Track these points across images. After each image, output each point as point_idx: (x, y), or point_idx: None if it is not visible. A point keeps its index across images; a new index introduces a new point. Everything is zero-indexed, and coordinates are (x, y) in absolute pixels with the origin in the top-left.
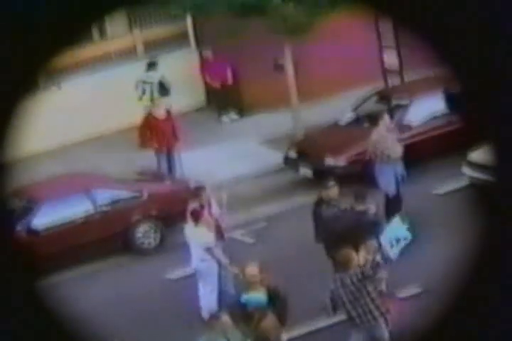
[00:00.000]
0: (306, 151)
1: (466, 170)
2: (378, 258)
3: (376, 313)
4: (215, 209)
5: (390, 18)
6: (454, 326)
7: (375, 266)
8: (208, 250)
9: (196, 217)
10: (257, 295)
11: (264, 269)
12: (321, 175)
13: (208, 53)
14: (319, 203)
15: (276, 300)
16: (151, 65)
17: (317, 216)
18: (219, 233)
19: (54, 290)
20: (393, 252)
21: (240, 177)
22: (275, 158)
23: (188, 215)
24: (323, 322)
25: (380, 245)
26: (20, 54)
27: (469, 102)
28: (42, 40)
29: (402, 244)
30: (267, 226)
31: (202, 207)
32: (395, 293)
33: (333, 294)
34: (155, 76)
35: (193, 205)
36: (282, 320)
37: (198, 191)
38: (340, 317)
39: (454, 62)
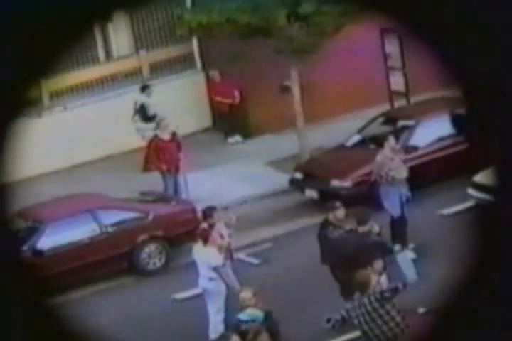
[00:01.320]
0: (312, 173)
1: (472, 192)
2: (399, 284)
3: (396, 331)
4: (224, 229)
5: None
6: None
7: (395, 290)
8: (216, 269)
9: (205, 236)
10: (253, 313)
11: (259, 293)
12: (327, 197)
13: (215, 74)
14: (325, 225)
15: (269, 322)
16: (143, 88)
17: (323, 238)
18: (228, 253)
19: (60, 310)
20: (411, 278)
21: (246, 199)
22: (281, 179)
23: (197, 235)
24: None
25: (386, 266)
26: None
27: (478, 124)
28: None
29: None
30: (272, 247)
31: (211, 227)
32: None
33: (347, 313)
34: (143, 99)
35: (202, 225)
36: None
37: (208, 211)
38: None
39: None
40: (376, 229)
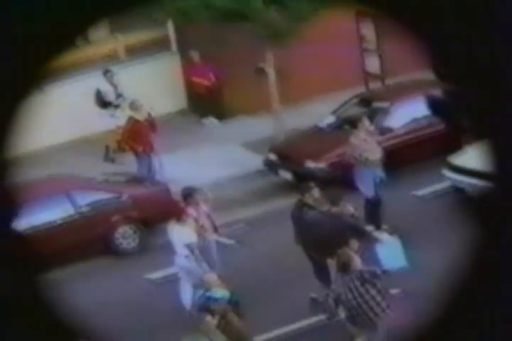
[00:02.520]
0: (287, 154)
1: (447, 173)
2: (378, 270)
3: (378, 310)
4: (203, 209)
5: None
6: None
7: (374, 275)
8: (189, 247)
9: (180, 214)
10: (220, 292)
11: (234, 274)
12: (301, 178)
13: (196, 54)
14: (299, 206)
15: (236, 304)
16: (105, 73)
17: (297, 218)
18: (210, 231)
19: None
20: (390, 267)
21: (220, 180)
22: (256, 161)
23: (173, 213)
24: (300, 324)
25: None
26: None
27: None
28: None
29: (399, 263)
30: (246, 228)
31: (189, 206)
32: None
33: (335, 294)
34: (101, 85)
35: (180, 204)
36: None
37: (187, 191)
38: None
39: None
40: (350, 210)
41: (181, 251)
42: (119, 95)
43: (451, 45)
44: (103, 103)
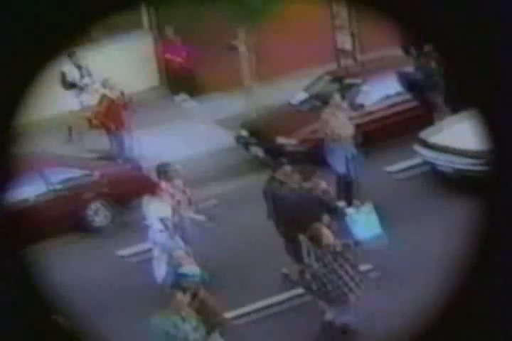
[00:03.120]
0: (258, 131)
1: (418, 149)
2: (350, 240)
3: (351, 285)
4: (179, 185)
5: None
6: None
7: (346, 247)
8: (163, 221)
9: (155, 189)
10: (191, 269)
11: (205, 249)
12: (273, 154)
13: (170, 31)
14: (271, 181)
15: (208, 281)
16: (70, 55)
17: (269, 194)
18: (185, 206)
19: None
20: (364, 236)
21: (193, 157)
22: (228, 137)
23: (146, 190)
24: (272, 299)
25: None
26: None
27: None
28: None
29: (373, 231)
30: (218, 204)
31: (163, 181)
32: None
33: (310, 269)
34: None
35: (152, 180)
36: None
37: (162, 167)
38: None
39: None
40: (323, 186)
41: (156, 225)
42: (84, 76)
43: (438, 23)
44: (68, 84)
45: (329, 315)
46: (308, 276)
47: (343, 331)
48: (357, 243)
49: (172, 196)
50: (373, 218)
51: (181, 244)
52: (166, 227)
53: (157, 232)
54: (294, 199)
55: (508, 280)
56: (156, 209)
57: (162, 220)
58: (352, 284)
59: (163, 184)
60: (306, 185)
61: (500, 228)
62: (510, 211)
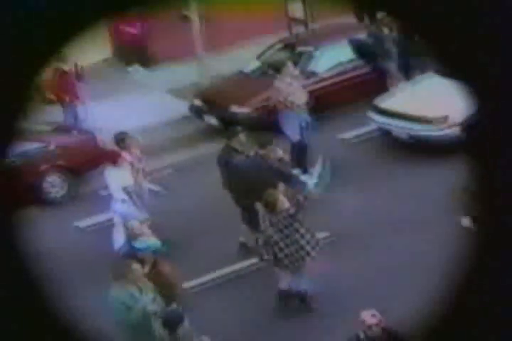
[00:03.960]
0: (212, 100)
1: (372, 115)
2: (300, 196)
3: (308, 248)
4: (136, 153)
5: None
6: None
7: (297, 203)
8: (126, 190)
9: (116, 158)
10: (148, 241)
11: (162, 220)
12: (227, 123)
13: None
14: (226, 150)
15: (167, 251)
16: None
17: (224, 163)
18: (142, 175)
19: None
20: (315, 191)
21: (147, 127)
22: (181, 107)
23: (109, 158)
24: (229, 268)
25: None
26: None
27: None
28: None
29: (323, 185)
30: (173, 174)
31: (122, 150)
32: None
33: (264, 236)
34: None
35: (113, 148)
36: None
37: (119, 136)
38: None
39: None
40: (279, 153)
41: (118, 195)
42: None
43: None
44: None
45: (285, 283)
46: (264, 243)
47: (300, 298)
48: (306, 197)
49: (131, 165)
50: (327, 177)
51: (145, 213)
52: (130, 196)
53: (119, 202)
54: (249, 167)
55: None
56: (117, 179)
57: (125, 189)
58: (308, 248)
59: (122, 153)
60: (262, 152)
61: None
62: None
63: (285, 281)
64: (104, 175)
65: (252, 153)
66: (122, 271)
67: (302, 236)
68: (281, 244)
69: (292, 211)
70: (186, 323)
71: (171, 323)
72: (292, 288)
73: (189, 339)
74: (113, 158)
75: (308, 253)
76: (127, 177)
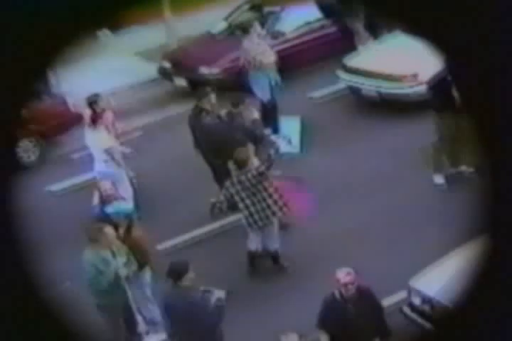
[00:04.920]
0: (180, 61)
1: (341, 74)
2: (270, 154)
3: (275, 208)
4: (110, 115)
5: None
6: None
7: (268, 161)
8: (108, 151)
9: (94, 121)
10: (120, 206)
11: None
12: (196, 84)
13: None
14: (197, 111)
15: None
16: None
17: (195, 123)
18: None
19: None
20: (288, 147)
21: (116, 90)
22: (150, 69)
23: (86, 121)
24: (202, 229)
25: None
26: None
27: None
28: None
29: (292, 148)
30: (143, 136)
31: (98, 112)
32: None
33: (228, 192)
34: None
35: (88, 111)
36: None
37: (92, 98)
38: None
39: None
40: (255, 114)
41: (100, 156)
42: None
43: None
44: None
45: (252, 244)
46: (233, 200)
47: (273, 258)
48: (277, 151)
49: (106, 127)
50: (297, 133)
51: (131, 173)
52: (112, 158)
53: (102, 163)
54: (220, 128)
55: None
56: (98, 140)
57: (107, 151)
58: (275, 208)
59: (99, 115)
60: (235, 111)
61: None
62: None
63: (254, 242)
64: (85, 137)
65: (223, 113)
66: (95, 234)
67: (270, 195)
68: (248, 202)
69: (262, 168)
70: (191, 274)
71: (175, 274)
72: (262, 249)
73: (194, 290)
74: (82, 123)
75: (274, 213)
76: (108, 138)
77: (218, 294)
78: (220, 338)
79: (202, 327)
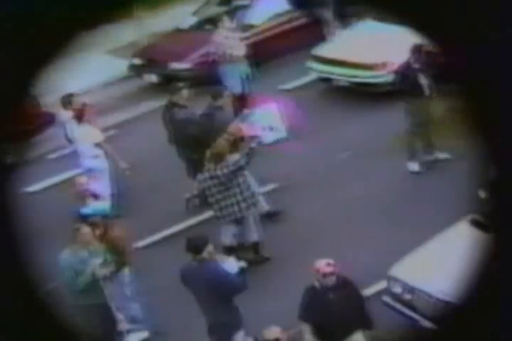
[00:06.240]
0: (151, 57)
1: (312, 65)
2: (252, 144)
3: (243, 205)
4: (91, 109)
5: None
6: None
7: (249, 154)
8: (99, 145)
9: (80, 117)
10: (97, 206)
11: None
12: (168, 80)
13: None
14: (170, 106)
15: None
16: None
17: (169, 119)
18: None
19: None
20: (267, 138)
21: (88, 88)
22: (121, 66)
23: (71, 116)
24: (179, 226)
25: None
26: None
27: None
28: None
29: (277, 133)
30: (117, 134)
31: (81, 108)
32: None
33: (201, 186)
34: None
35: (63, 112)
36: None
37: (67, 98)
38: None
39: None
40: (229, 105)
41: (89, 152)
42: None
43: None
44: None
45: (226, 238)
46: (205, 195)
47: (254, 250)
48: (260, 143)
49: (91, 122)
50: (274, 118)
51: (123, 165)
52: (105, 151)
53: (91, 159)
54: (195, 121)
55: None
56: (89, 135)
57: (98, 145)
58: (243, 205)
59: (80, 111)
60: (218, 103)
61: None
62: None
63: (227, 236)
64: (71, 134)
65: (203, 106)
66: (72, 234)
67: (241, 192)
68: (219, 196)
69: (242, 162)
70: (210, 247)
71: (195, 248)
72: (238, 241)
73: (213, 263)
74: (69, 119)
75: (240, 210)
76: (96, 133)
77: (240, 264)
78: (236, 309)
79: (224, 296)
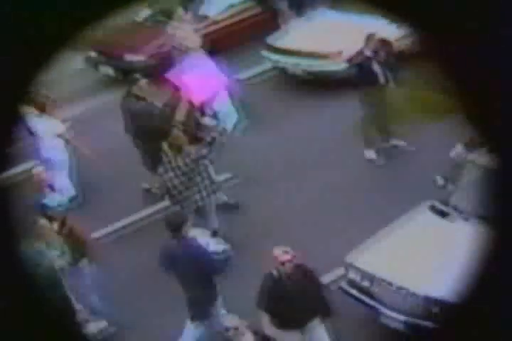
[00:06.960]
0: (106, 50)
1: (267, 54)
2: (213, 137)
3: (204, 193)
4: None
5: None
6: None
7: (210, 144)
8: (62, 136)
9: (42, 109)
10: (58, 198)
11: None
12: (123, 72)
13: None
14: (127, 97)
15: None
16: None
17: (126, 110)
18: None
19: None
20: (227, 125)
21: (44, 81)
22: (76, 59)
23: (32, 108)
24: (136, 216)
25: None
26: None
27: None
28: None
29: (233, 120)
30: (73, 126)
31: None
32: None
33: (162, 178)
34: None
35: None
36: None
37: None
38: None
39: None
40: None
41: (50, 144)
42: None
43: None
44: None
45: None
46: (165, 186)
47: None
48: (222, 133)
49: (53, 114)
50: (232, 112)
51: (87, 151)
52: (67, 142)
53: (53, 149)
54: (152, 112)
55: None
56: (51, 127)
57: (61, 136)
58: (204, 193)
59: (41, 104)
60: (132, 92)
61: None
62: None
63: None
64: (32, 125)
65: (154, 98)
66: (30, 227)
67: (202, 180)
68: (181, 187)
69: (204, 152)
70: (189, 224)
71: (174, 225)
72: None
73: (193, 240)
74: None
75: (202, 198)
76: (58, 123)
77: (223, 246)
78: (215, 287)
79: (204, 274)
